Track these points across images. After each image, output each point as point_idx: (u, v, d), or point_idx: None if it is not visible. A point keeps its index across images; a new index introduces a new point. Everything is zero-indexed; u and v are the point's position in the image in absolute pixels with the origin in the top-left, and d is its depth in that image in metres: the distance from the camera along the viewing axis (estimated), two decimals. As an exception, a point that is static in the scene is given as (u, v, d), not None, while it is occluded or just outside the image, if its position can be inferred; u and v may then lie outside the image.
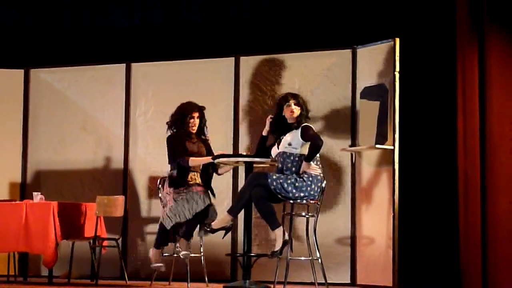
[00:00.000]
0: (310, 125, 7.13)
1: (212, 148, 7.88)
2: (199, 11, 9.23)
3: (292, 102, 7.13)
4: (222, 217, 7.08)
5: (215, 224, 7.08)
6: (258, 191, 6.93)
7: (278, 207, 7.18)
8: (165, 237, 7.52)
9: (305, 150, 7.04)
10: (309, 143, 7.02)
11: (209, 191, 7.68)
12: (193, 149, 7.70)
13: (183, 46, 9.48)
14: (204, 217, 7.52)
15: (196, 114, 7.78)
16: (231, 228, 7.15)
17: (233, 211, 7.07)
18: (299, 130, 7.08)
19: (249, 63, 8.76)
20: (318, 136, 7.05)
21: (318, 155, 7.06)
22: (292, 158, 7.05)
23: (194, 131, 7.79)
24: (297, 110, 7.11)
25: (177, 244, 7.54)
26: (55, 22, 9.72)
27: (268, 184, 6.92)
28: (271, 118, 7.28)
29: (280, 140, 7.13)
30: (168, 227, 7.44)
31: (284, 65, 8.63)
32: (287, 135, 7.10)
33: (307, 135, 7.04)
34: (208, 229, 7.09)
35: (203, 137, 7.86)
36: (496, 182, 6.38)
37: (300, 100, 7.18)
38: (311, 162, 7.00)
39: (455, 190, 6.63)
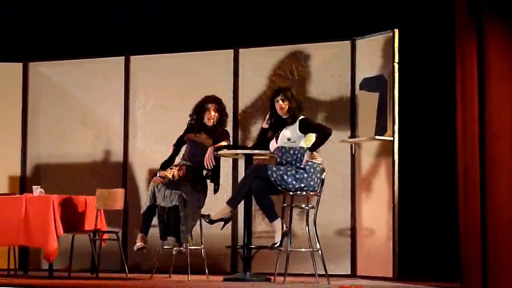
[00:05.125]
0: (307, 117, 7.12)
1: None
2: (198, 3, 9.23)
3: (279, 97, 7.13)
4: (221, 208, 7.07)
5: (214, 215, 7.07)
6: (258, 183, 6.93)
7: (278, 199, 7.19)
8: (144, 222, 7.63)
9: (304, 143, 7.04)
10: (308, 135, 7.02)
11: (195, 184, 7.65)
12: (195, 139, 7.70)
13: (182, 39, 9.47)
14: (173, 220, 7.52)
15: (212, 106, 7.69)
16: (230, 220, 7.15)
17: (232, 203, 7.07)
18: (296, 123, 7.07)
19: (248, 55, 8.75)
20: (324, 125, 7.06)
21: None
22: (292, 152, 7.04)
23: (211, 124, 7.71)
24: (285, 105, 7.11)
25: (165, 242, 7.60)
26: (53, 15, 9.70)
27: (268, 176, 6.91)
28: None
29: (278, 135, 7.13)
30: (142, 211, 7.61)
31: (283, 57, 8.62)
32: (284, 130, 7.09)
33: (309, 126, 7.03)
34: (207, 220, 7.09)
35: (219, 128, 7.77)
36: (496, 173, 6.36)
37: (288, 93, 7.14)
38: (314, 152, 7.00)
39: (454, 181, 6.63)
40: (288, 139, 7.05)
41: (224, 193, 8.40)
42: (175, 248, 7.47)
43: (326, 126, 7.10)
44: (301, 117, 7.10)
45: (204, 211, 7.49)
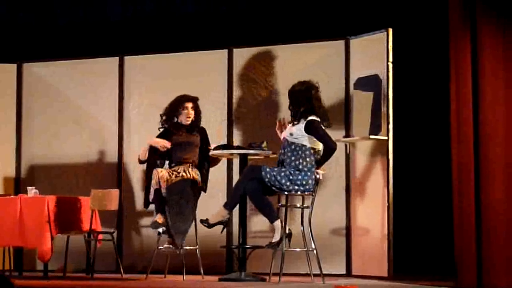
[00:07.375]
0: (316, 120, 7.10)
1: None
2: (192, 3, 9.22)
3: (289, 104, 7.29)
4: (218, 212, 7.09)
5: (212, 219, 7.09)
6: (252, 186, 6.96)
7: (273, 199, 7.19)
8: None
9: (306, 142, 7.04)
10: (310, 136, 7.04)
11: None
12: (180, 140, 7.73)
13: (176, 39, 9.46)
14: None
15: (189, 105, 7.80)
16: (228, 222, 7.16)
17: (228, 206, 7.09)
18: (304, 123, 7.09)
19: (242, 55, 8.74)
20: (330, 139, 7.05)
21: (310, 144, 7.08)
22: (293, 147, 7.07)
23: (188, 122, 7.80)
24: (293, 109, 7.21)
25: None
26: (47, 15, 9.69)
27: (262, 176, 6.93)
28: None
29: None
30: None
31: (277, 57, 8.62)
32: (292, 125, 7.15)
33: (313, 131, 7.04)
34: (205, 224, 7.10)
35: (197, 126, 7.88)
36: (490, 171, 6.38)
37: (293, 97, 7.25)
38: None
39: (449, 180, 6.65)
40: (291, 134, 7.10)
41: (219, 193, 8.42)
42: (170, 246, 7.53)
43: (331, 141, 7.09)
44: (310, 118, 7.11)
45: (199, 213, 7.50)
